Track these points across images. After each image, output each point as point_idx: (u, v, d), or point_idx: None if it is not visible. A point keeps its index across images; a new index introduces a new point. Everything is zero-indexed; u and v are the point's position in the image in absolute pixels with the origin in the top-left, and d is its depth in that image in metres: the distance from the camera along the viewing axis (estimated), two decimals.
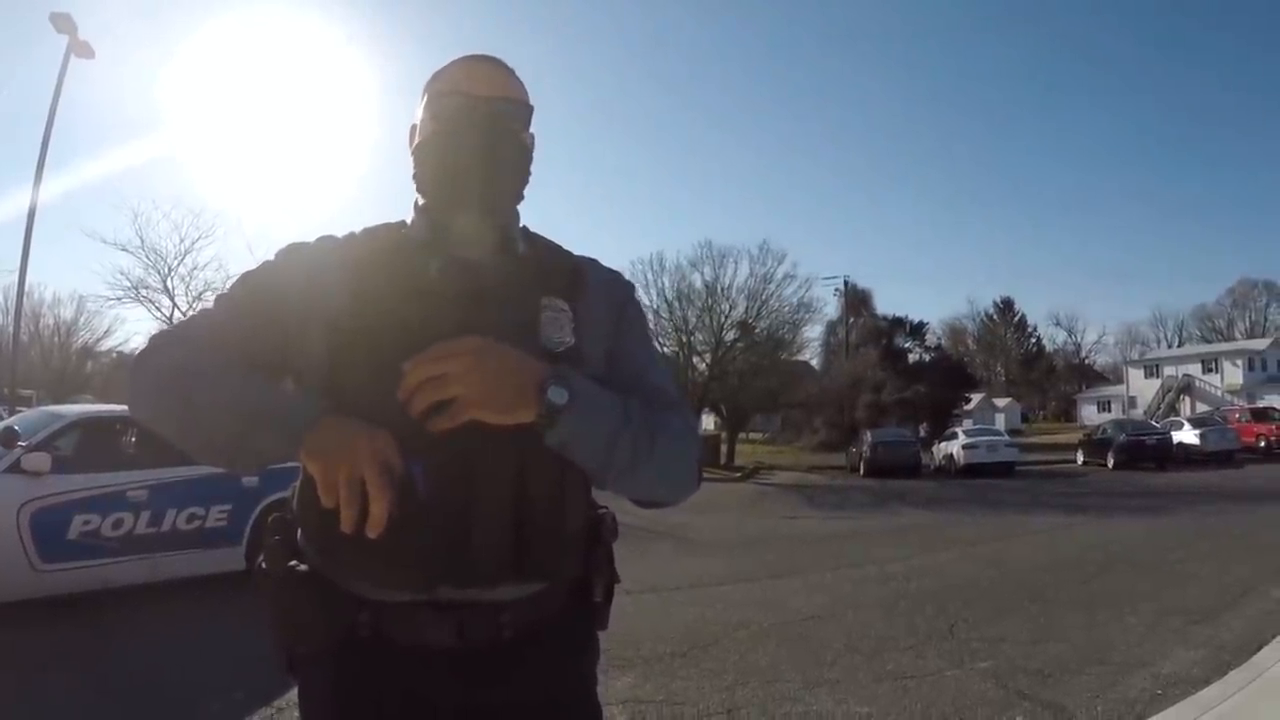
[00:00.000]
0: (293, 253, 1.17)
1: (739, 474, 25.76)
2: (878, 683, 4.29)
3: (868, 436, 26.24)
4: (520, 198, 1.20)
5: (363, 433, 0.95)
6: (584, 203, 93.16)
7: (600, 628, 1.20)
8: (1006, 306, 70.40)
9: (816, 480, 23.72)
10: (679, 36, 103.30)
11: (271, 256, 1.18)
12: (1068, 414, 62.88)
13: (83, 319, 47.10)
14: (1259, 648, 4.52)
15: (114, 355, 45.89)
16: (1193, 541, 8.89)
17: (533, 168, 1.20)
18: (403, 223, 1.19)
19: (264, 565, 1.09)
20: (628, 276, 1.30)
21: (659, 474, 1.10)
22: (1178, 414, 37.25)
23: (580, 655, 1.18)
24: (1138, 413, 44.56)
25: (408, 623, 1.05)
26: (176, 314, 25.67)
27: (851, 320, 48.20)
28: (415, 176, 1.17)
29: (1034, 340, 71.18)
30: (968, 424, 35.07)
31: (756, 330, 33.19)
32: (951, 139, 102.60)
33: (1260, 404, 32.54)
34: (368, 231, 1.18)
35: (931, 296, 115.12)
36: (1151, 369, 54.49)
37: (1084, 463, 25.35)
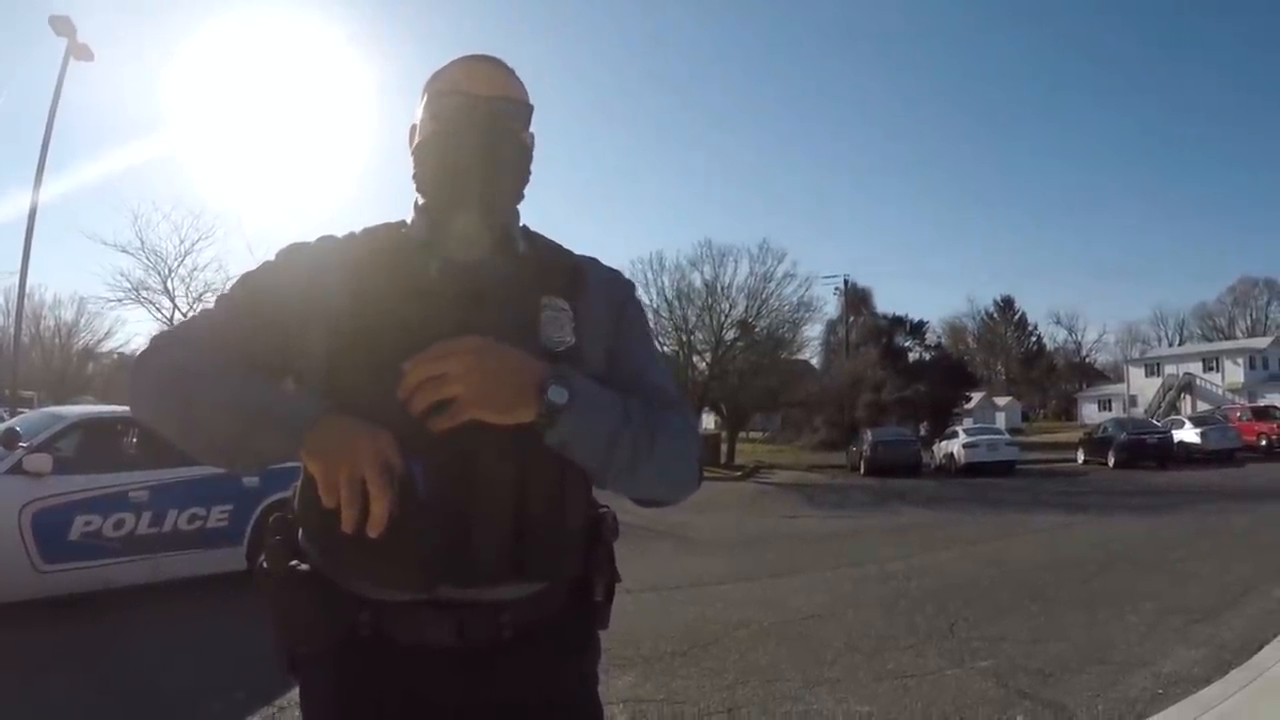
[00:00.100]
0: (293, 253, 1.17)
1: (739, 473, 25.75)
2: (878, 682, 4.29)
3: (868, 435, 26.24)
4: (520, 197, 1.20)
5: (363, 432, 0.95)
6: (584, 202, 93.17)
7: (601, 627, 1.20)
8: (1007, 305, 70.41)
9: (817, 479, 23.72)
10: (679, 36, 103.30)
11: (272, 257, 1.18)
12: (1068, 413, 62.86)
13: (83, 320, 47.19)
14: (1260, 647, 4.51)
15: (115, 356, 45.96)
16: (1194, 540, 8.88)
17: (533, 167, 1.20)
18: (403, 222, 1.20)
19: (265, 565, 1.09)
20: (628, 276, 1.30)
21: (659, 473, 1.10)
22: (1179, 413, 37.21)
23: (581, 654, 1.18)
24: (1138, 411, 44.50)
25: (408, 622, 1.05)
26: (177, 315, 25.64)
27: (851, 319, 48.19)
28: (415, 176, 1.17)
29: (1034, 339, 71.19)
30: (968, 423, 35.04)
31: (756, 329, 33.19)
32: (951, 137, 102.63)
33: (1261, 403, 32.47)
34: (368, 231, 1.19)
35: (932, 295, 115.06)
36: (1152, 367, 54.47)
37: (1084, 462, 25.31)
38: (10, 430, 5.77)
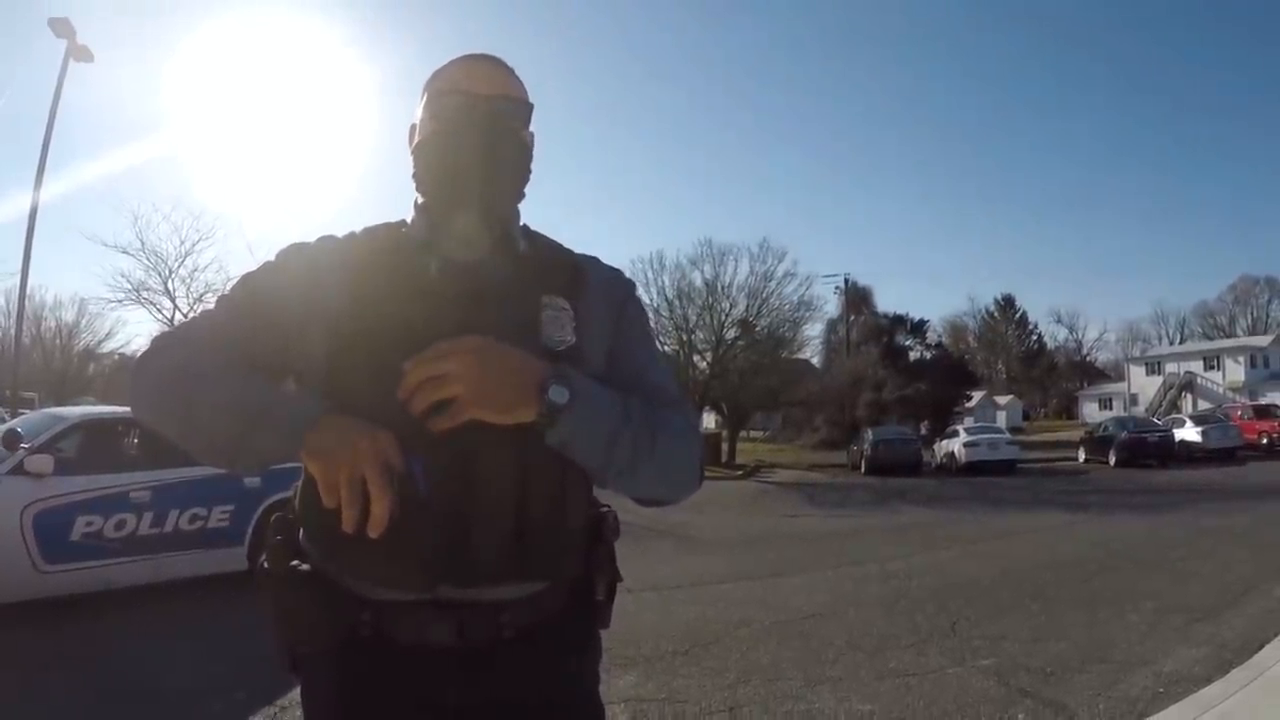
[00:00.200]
0: (293, 253, 1.17)
1: (740, 472, 25.75)
2: (879, 680, 4.29)
3: (869, 434, 26.23)
4: (521, 196, 1.20)
5: (364, 432, 0.95)
6: (585, 201, 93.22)
7: (602, 626, 1.20)
8: (1007, 304, 70.40)
9: (817, 478, 23.71)
10: (679, 36, 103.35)
11: (272, 257, 1.18)
12: (1069, 411, 62.85)
13: (84, 321, 47.24)
14: (1261, 646, 4.51)
15: (116, 357, 46.02)
16: (1194, 539, 8.88)
17: (533, 166, 1.20)
18: (403, 222, 1.19)
19: (266, 565, 1.09)
20: (628, 275, 1.30)
21: (660, 472, 1.10)
22: (1179, 411, 37.22)
23: (582, 654, 1.18)
24: (1139, 410, 44.42)
25: (409, 622, 1.05)
26: (178, 316, 25.64)
27: (852, 318, 48.17)
28: (415, 176, 1.17)
29: (1035, 337, 71.21)
30: (969, 422, 35.04)
31: (757, 328, 33.18)
32: (951, 136, 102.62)
33: (1262, 401, 32.44)
34: (368, 231, 1.19)
35: (932, 294, 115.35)
36: (1153, 366, 54.46)
37: (1085, 460, 25.28)
38: (11, 431, 5.77)
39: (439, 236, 1.14)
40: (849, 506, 15.68)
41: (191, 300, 26.07)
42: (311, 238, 1.19)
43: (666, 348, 30.93)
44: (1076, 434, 32.20)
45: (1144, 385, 52.89)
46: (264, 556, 1.11)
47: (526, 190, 1.20)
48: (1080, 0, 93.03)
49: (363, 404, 1.00)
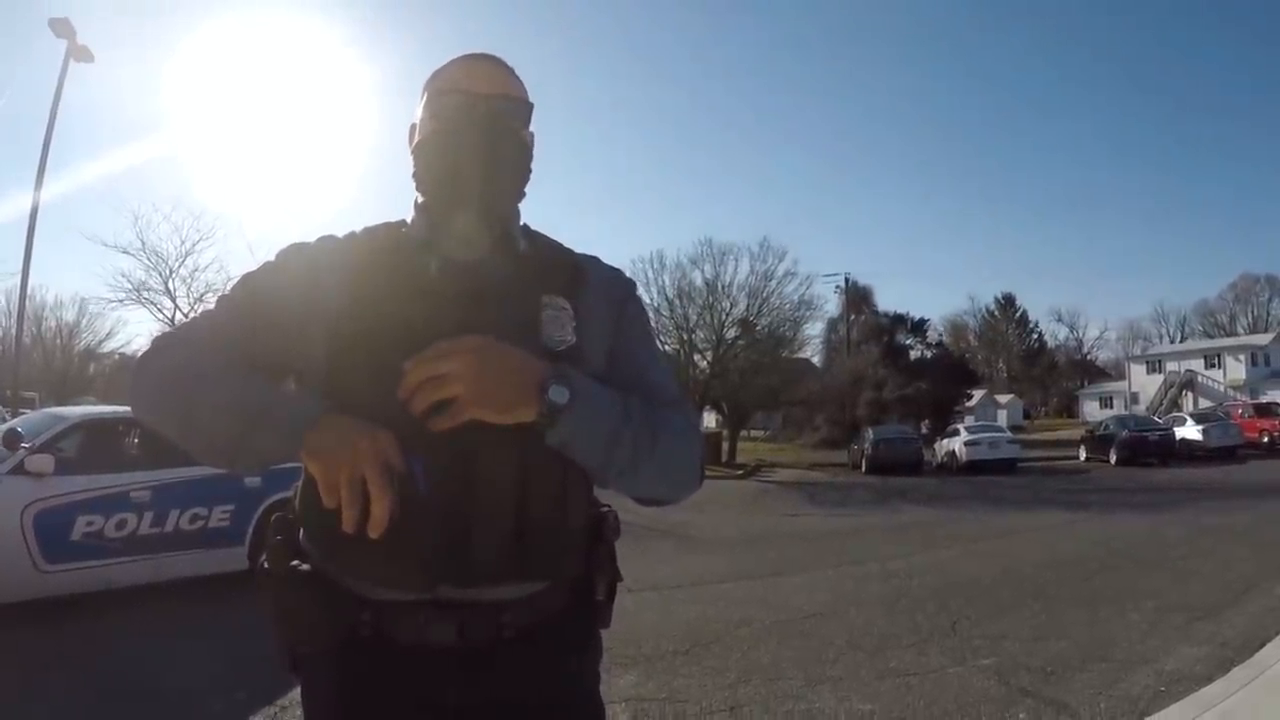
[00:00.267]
0: (293, 253, 1.17)
1: (740, 472, 25.74)
2: (880, 680, 4.29)
3: (869, 434, 26.24)
4: (521, 196, 1.19)
5: (364, 432, 0.95)
6: (585, 201, 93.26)
7: (602, 626, 1.20)
8: (1008, 302, 70.39)
9: (818, 478, 23.71)
10: (678, 35, 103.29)
11: (272, 257, 1.18)
12: (1070, 410, 62.84)
13: (85, 321, 47.27)
14: (1262, 644, 4.51)
15: (116, 357, 46.07)
16: (1195, 538, 8.87)
17: (533, 165, 1.20)
18: (403, 222, 1.19)
19: (266, 565, 1.09)
20: (628, 275, 1.30)
21: (660, 472, 1.10)
22: (1180, 410, 37.21)
23: (582, 654, 1.18)
24: (1140, 409, 44.40)
25: (409, 622, 1.05)
26: (178, 315, 25.67)
27: (853, 317, 48.20)
28: (415, 175, 1.17)
29: (1036, 336, 71.20)
30: (969, 421, 35.10)
31: (757, 328, 33.17)
32: (952, 135, 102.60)
33: (1263, 399, 32.42)
34: (368, 231, 1.18)
35: (933, 293, 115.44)
36: (1154, 364, 54.44)
37: (1086, 459, 25.28)
38: (12, 431, 5.77)
39: (439, 236, 1.14)
40: (850, 506, 15.68)
41: (192, 300, 26.12)
42: (311, 238, 1.19)
43: (667, 347, 30.93)
44: (1077, 433, 32.18)
45: (1145, 384, 52.88)
46: (264, 556, 1.10)
47: (527, 190, 1.19)
48: (1083, 0, 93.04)
49: (363, 404, 1.00)
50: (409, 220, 1.18)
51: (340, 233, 1.19)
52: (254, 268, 1.19)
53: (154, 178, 67.84)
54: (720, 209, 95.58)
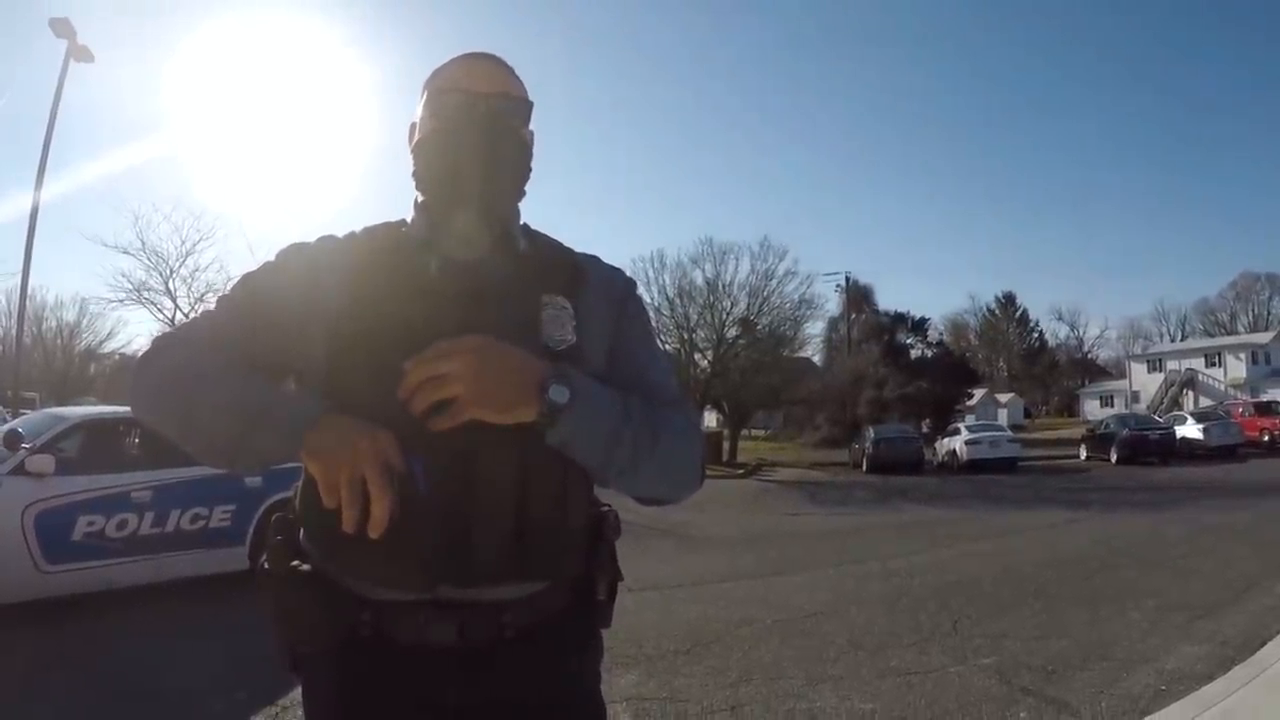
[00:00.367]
0: (293, 253, 1.17)
1: (741, 471, 25.76)
2: (881, 679, 4.29)
3: (870, 433, 26.25)
4: (521, 195, 1.19)
5: (364, 432, 0.95)
6: (587, 200, 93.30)
7: (603, 626, 1.20)
8: (1008, 301, 70.36)
9: (819, 477, 23.72)
10: (679, 35, 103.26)
11: (272, 257, 1.18)
12: (1070, 409, 62.84)
13: (85, 321, 47.35)
14: (1262, 643, 4.50)
15: (117, 357, 46.10)
16: (1196, 536, 8.87)
17: (533, 164, 1.19)
18: (403, 221, 1.19)
19: (267, 565, 1.09)
20: (629, 274, 1.30)
21: (661, 472, 1.09)
22: (1181, 408, 37.22)
23: (583, 654, 1.18)
24: (1141, 407, 44.43)
25: (409, 622, 1.05)
26: (179, 316, 25.68)
27: (853, 316, 48.16)
28: (415, 174, 1.17)
29: (1036, 335, 71.19)
30: (970, 420, 35.12)
31: (758, 327, 33.17)
32: (952, 134, 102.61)
33: (1264, 398, 32.35)
34: (368, 231, 1.18)
35: (933, 292, 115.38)
36: (1154, 363, 54.42)
37: (1087, 458, 25.28)
38: (13, 431, 5.77)
39: (439, 235, 1.14)
40: (850, 505, 15.69)
41: (193, 300, 26.13)
42: (311, 238, 1.19)
43: (667, 346, 30.91)
44: (1078, 431, 32.18)
45: (1145, 382, 52.87)
46: (264, 556, 1.10)
47: (527, 189, 1.19)
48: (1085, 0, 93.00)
49: (363, 404, 1.00)
50: (409, 220, 1.18)
51: (340, 232, 1.19)
52: (254, 268, 1.19)
53: (154, 178, 67.93)
54: (721, 208, 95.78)
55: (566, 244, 1.25)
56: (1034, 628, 5.21)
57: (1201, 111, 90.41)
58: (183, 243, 26.61)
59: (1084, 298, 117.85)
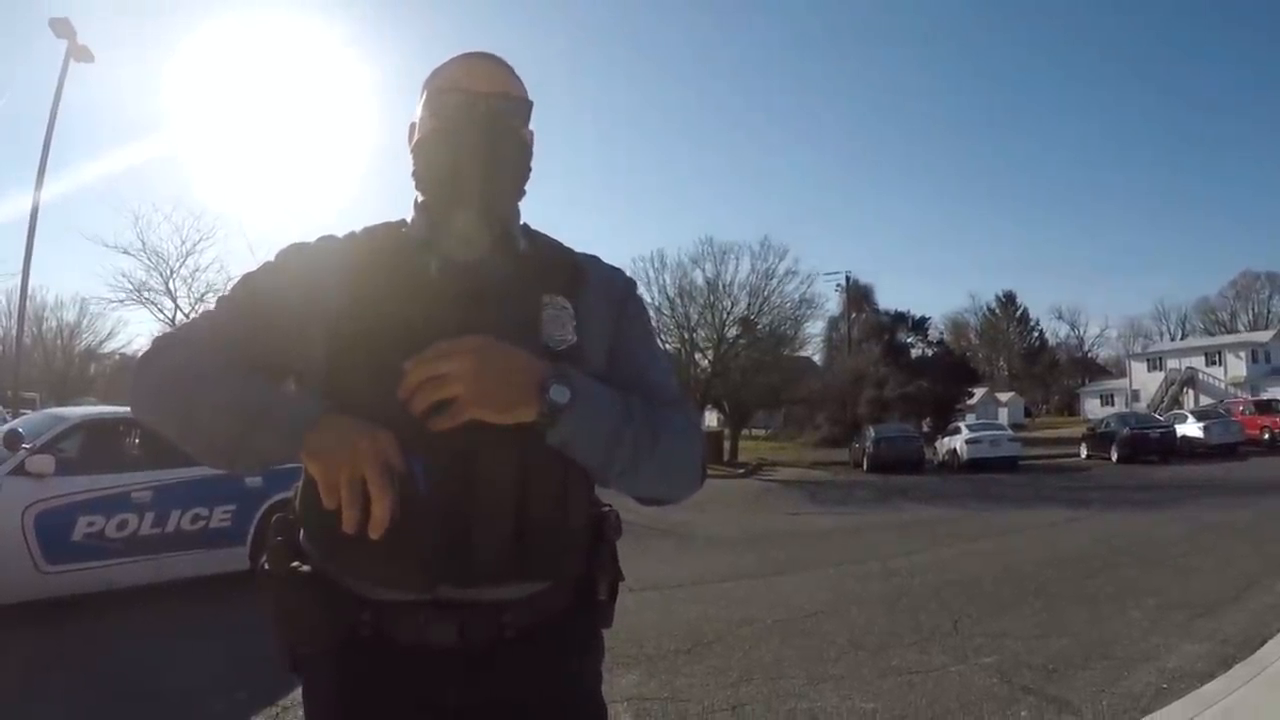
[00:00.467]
0: (293, 253, 1.17)
1: (741, 471, 25.76)
2: (882, 678, 4.29)
3: (870, 432, 26.25)
4: (521, 194, 1.19)
5: (364, 432, 0.95)
6: (585, 200, 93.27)
7: (604, 626, 1.20)
8: (1009, 300, 70.34)
9: (819, 476, 23.72)
10: (679, 35, 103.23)
11: (272, 257, 1.18)
12: (1071, 408, 62.87)
13: (85, 321, 47.38)
14: (1263, 642, 4.50)
15: (117, 357, 46.14)
16: (1196, 535, 8.87)
17: (534, 164, 1.19)
18: (403, 221, 1.19)
19: (267, 566, 1.09)
20: (629, 274, 1.29)
21: (661, 472, 1.09)
22: (1181, 407, 37.23)
23: (584, 654, 1.18)
24: (1141, 406, 44.44)
25: (409, 623, 1.05)
26: (179, 316, 25.66)
27: (853, 316, 48.16)
28: (415, 174, 1.16)
29: (1036, 334, 71.19)
30: (971, 419, 35.09)
31: (758, 326, 33.16)
32: (953, 133, 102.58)
33: (1264, 396, 32.37)
34: (368, 231, 1.18)
35: (933, 291, 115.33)
36: (1154, 362, 54.41)
37: (1087, 457, 25.28)
38: (13, 431, 5.76)
39: (439, 235, 1.14)
40: (851, 504, 15.68)
41: (193, 300, 26.10)
42: (311, 238, 1.19)
43: (668, 346, 30.90)
44: (1078, 430, 32.18)
45: (1145, 381, 52.87)
46: (265, 557, 1.10)
47: (526, 188, 1.19)
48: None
49: (363, 404, 0.99)
50: (409, 220, 1.18)
51: (340, 233, 1.19)
52: (254, 268, 1.19)
53: (154, 178, 67.89)
54: (721, 208, 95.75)
55: (566, 244, 1.25)
56: (1035, 626, 5.21)
57: (1202, 111, 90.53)
58: (183, 243, 26.61)
59: (1084, 297, 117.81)
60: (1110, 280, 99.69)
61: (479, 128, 1.10)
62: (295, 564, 1.07)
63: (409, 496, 0.95)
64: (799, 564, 8.28)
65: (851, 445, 28.91)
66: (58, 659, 4.61)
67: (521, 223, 1.21)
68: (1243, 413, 26.54)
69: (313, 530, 1.08)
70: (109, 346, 47.48)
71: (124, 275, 26.44)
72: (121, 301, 26.94)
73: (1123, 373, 59.12)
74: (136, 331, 42.58)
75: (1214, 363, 49.33)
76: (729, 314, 32.80)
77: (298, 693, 1.18)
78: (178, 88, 66.16)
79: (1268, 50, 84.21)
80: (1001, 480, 19.29)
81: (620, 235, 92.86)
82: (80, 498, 5.61)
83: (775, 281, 32.96)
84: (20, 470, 5.44)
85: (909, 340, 49.04)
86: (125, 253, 26.08)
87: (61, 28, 16.83)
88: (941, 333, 58.40)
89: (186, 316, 24.35)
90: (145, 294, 26.44)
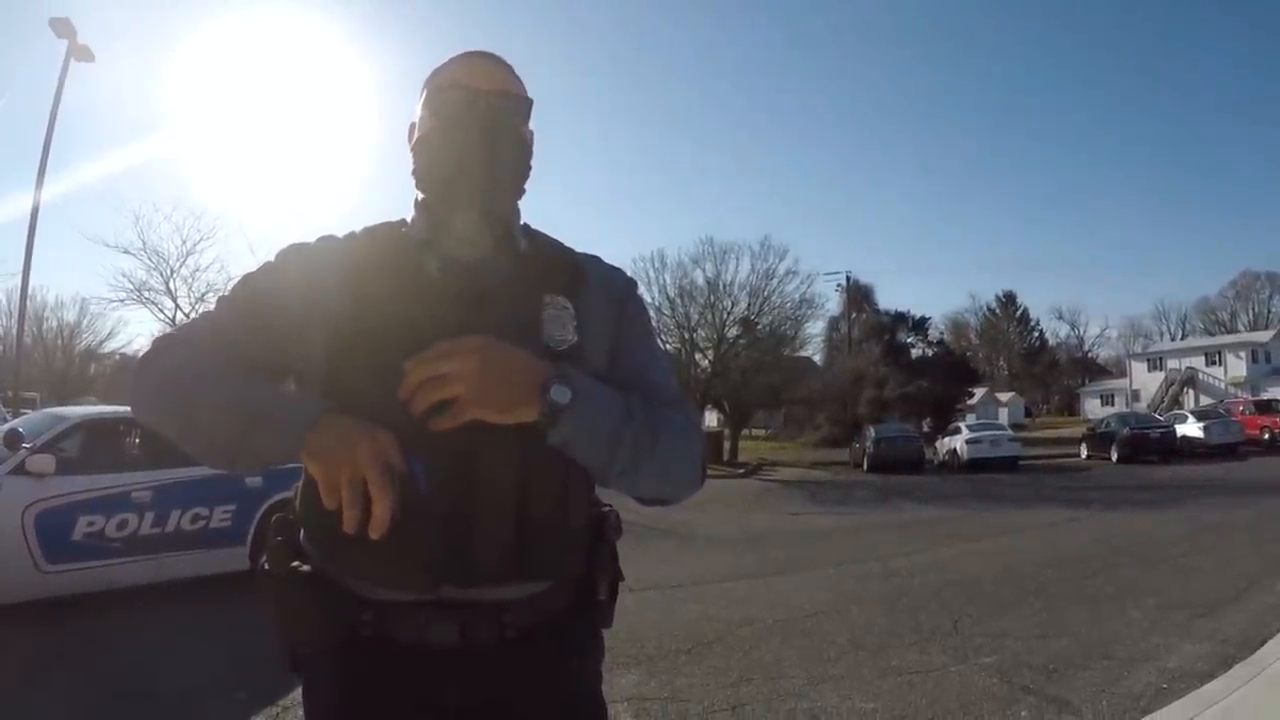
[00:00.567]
0: (294, 253, 1.16)
1: (742, 470, 25.76)
2: (882, 678, 4.29)
3: (870, 432, 26.26)
4: (521, 193, 1.19)
5: (364, 433, 0.95)
6: (586, 200, 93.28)
7: (604, 626, 1.20)
8: (1009, 300, 70.32)
9: (819, 476, 23.72)
10: (687, 34, 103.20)
11: (273, 257, 1.17)
12: (1071, 408, 62.86)
13: (85, 321, 47.38)
14: (1263, 642, 4.50)
15: (117, 357, 46.13)
16: (1196, 535, 8.87)
17: (533, 163, 1.19)
18: (403, 221, 1.19)
19: (267, 566, 1.09)
20: (629, 274, 1.29)
21: (661, 472, 1.09)
22: (1181, 407, 37.23)
23: (584, 654, 1.18)
24: (1141, 406, 44.45)
25: (410, 623, 1.05)
26: (179, 316, 25.70)
27: (854, 316, 48.21)
28: (415, 172, 1.16)
29: (1036, 334, 71.18)
30: (971, 419, 35.09)
31: (759, 326, 33.17)
32: (953, 132, 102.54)
33: (1264, 396, 32.38)
34: (368, 231, 1.18)
35: (933, 291, 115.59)
36: (1155, 362, 54.41)
37: (1087, 457, 25.28)
38: (13, 431, 5.76)
39: (440, 235, 1.13)
40: (851, 504, 15.68)
41: (193, 300, 26.15)
42: (312, 238, 1.19)
43: (668, 346, 30.90)
44: (1078, 430, 32.18)
45: (1146, 381, 52.87)
46: (265, 557, 1.10)
47: (527, 187, 1.19)
48: None
49: (364, 404, 0.99)
50: (409, 219, 1.18)
51: (340, 233, 1.19)
52: (254, 268, 1.19)
53: (154, 178, 67.94)
54: (721, 208, 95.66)
55: (567, 244, 1.25)
56: (1035, 626, 5.21)
57: (1202, 110, 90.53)
58: (183, 242, 26.69)
59: (1084, 296, 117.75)
60: (1110, 280, 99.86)
61: (479, 125, 1.10)
62: (295, 564, 1.07)
63: (410, 497, 0.95)
64: (799, 564, 8.28)
65: (851, 445, 28.91)
66: (58, 659, 4.61)
67: (522, 222, 1.21)
68: (1243, 413, 26.54)
69: (313, 530, 1.08)
70: (109, 346, 47.56)
71: (124, 275, 26.55)
72: (122, 301, 27.04)
73: (1123, 373, 59.13)
74: (136, 331, 42.68)
75: (1214, 363, 49.33)
76: (729, 314, 32.82)
77: (298, 693, 1.18)
78: (178, 87, 66.28)
79: (1268, 50, 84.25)
80: (1001, 480, 19.29)
81: (621, 235, 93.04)
82: (80, 497, 5.61)
83: (775, 281, 33.02)
84: (20, 470, 5.44)
85: (909, 340, 49.06)
86: (125, 252, 26.21)
87: (62, 27, 16.83)
88: (941, 333, 58.50)
89: (187, 316, 24.37)
90: (145, 294, 26.53)
